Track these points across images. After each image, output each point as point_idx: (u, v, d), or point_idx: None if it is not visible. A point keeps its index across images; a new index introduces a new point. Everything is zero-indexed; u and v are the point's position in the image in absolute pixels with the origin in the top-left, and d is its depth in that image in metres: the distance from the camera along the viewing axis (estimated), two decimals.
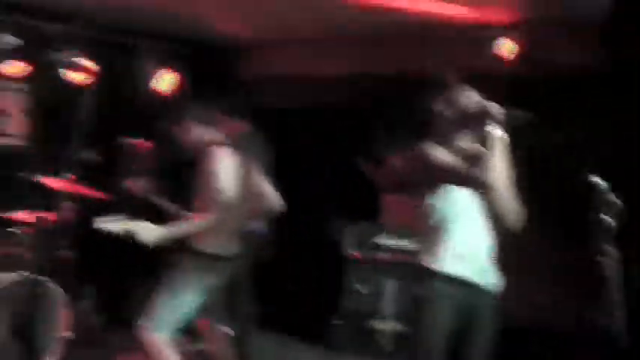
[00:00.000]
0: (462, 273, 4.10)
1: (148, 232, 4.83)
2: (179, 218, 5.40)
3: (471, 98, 4.17)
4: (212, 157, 4.97)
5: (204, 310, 5.18)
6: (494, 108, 4.02)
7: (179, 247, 5.08)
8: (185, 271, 5.02)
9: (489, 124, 4.02)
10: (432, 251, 4.16)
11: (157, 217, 5.74)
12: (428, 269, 4.14)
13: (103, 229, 4.79)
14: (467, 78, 6.67)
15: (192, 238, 5.04)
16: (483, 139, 4.06)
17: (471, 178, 4.06)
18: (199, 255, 5.02)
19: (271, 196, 5.21)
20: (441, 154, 4.14)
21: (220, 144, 5.10)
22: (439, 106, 4.26)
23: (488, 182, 4.00)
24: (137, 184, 5.73)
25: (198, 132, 5.18)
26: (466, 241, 4.13)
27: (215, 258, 5.03)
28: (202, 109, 5.31)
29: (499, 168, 4.02)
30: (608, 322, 4.15)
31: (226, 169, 4.97)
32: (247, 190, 5.14)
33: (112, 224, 4.79)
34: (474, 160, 4.09)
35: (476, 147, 4.15)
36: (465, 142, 4.20)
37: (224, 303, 5.52)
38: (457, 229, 4.13)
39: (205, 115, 5.28)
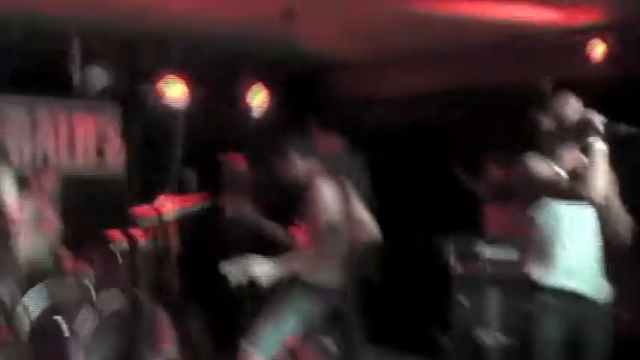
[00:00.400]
0: (571, 286, 4.04)
1: (263, 270, 4.86)
2: (283, 242, 5.48)
3: (573, 109, 4.09)
4: (316, 188, 5.01)
5: (305, 333, 5.24)
6: (597, 119, 3.94)
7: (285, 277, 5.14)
8: (291, 300, 5.07)
9: (592, 136, 3.94)
10: (539, 264, 4.10)
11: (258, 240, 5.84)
12: (536, 283, 4.09)
13: (229, 275, 4.85)
14: (564, 84, 6.62)
15: (299, 269, 5.07)
16: (586, 151, 3.99)
17: (572, 192, 3.98)
18: (306, 286, 5.05)
19: (370, 224, 5.33)
20: (543, 167, 4.08)
21: (322, 175, 5.13)
22: (542, 118, 4.19)
23: (591, 196, 3.91)
24: (240, 205, 5.81)
25: (301, 165, 5.19)
26: (574, 254, 4.06)
27: (321, 289, 5.07)
28: (305, 141, 5.36)
29: (603, 180, 3.93)
30: None
31: (330, 200, 4.99)
32: (348, 220, 5.19)
33: (234, 272, 4.83)
34: (578, 173, 4.02)
35: (579, 159, 4.08)
36: (569, 154, 4.13)
37: (331, 326, 5.55)
38: (564, 242, 4.06)
39: (307, 145, 5.30)
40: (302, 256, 5.02)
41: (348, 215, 5.21)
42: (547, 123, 4.14)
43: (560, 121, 4.08)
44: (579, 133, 4.00)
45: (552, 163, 4.10)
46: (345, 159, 6.66)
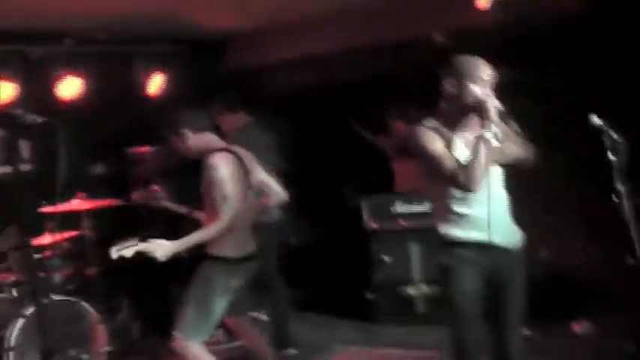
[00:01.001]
0: (481, 238, 4.14)
1: (160, 248, 4.87)
2: (192, 219, 5.49)
3: (480, 79, 4.09)
4: (212, 165, 4.98)
5: (233, 308, 5.26)
6: (492, 107, 4.00)
7: (197, 255, 5.15)
8: (207, 278, 5.08)
9: (484, 124, 4.02)
10: (447, 220, 4.18)
11: (172, 222, 5.82)
12: (446, 238, 4.18)
13: (118, 256, 4.86)
14: (455, 36, 6.73)
15: (208, 246, 5.09)
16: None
17: (453, 179, 4.06)
18: (217, 260, 5.07)
19: (275, 188, 5.39)
20: (432, 143, 4.10)
21: (219, 149, 5.12)
22: (446, 83, 4.21)
23: (470, 186, 4.00)
24: (144, 193, 5.79)
25: (195, 140, 5.20)
26: (481, 208, 4.14)
27: (233, 261, 5.09)
28: (198, 116, 5.34)
29: (482, 171, 4.01)
30: (633, 261, 4.20)
31: (227, 174, 4.98)
32: (251, 190, 5.21)
33: (125, 250, 4.84)
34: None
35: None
36: (471, 124, 4.17)
37: (256, 294, 5.61)
38: (470, 198, 4.13)
39: (199, 120, 5.30)
40: (205, 232, 5.01)
41: (250, 186, 5.23)
42: (451, 89, 4.16)
43: (462, 89, 4.11)
44: (476, 111, 4.08)
45: (450, 133, 4.15)
46: (252, 132, 6.66)
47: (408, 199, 7.12)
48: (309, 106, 7.64)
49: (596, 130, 4.32)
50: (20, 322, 5.74)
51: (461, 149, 4.11)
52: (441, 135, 4.13)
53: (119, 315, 7.07)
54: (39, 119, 2.19)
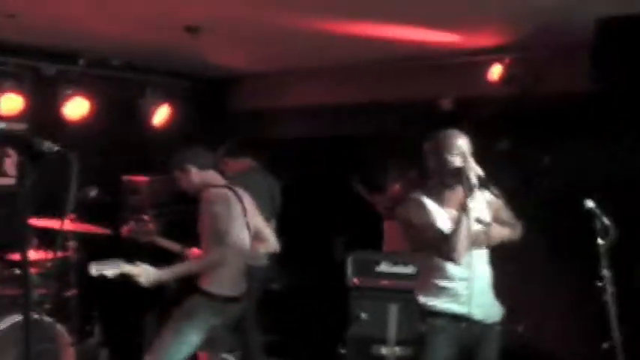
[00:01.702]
0: (460, 310, 4.15)
1: (145, 274, 4.91)
2: (184, 257, 5.50)
3: (458, 151, 4.17)
4: (210, 200, 5.06)
5: (210, 344, 5.27)
6: (473, 174, 4.06)
7: (186, 288, 5.16)
8: (190, 310, 5.10)
9: (466, 190, 4.06)
10: (428, 291, 4.20)
11: (163, 257, 5.82)
12: (425, 307, 4.20)
13: (98, 274, 4.85)
14: (462, 103, 6.80)
15: (199, 279, 5.11)
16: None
17: (438, 250, 4.10)
18: (205, 295, 5.09)
19: (268, 237, 5.48)
20: (418, 214, 4.17)
21: (219, 187, 5.19)
22: (428, 151, 4.28)
23: (453, 257, 4.03)
24: (136, 228, 5.81)
25: (198, 176, 5.27)
26: (462, 280, 4.18)
27: (219, 298, 5.10)
28: (204, 154, 5.40)
29: (466, 240, 4.05)
30: (609, 345, 4.20)
31: (224, 210, 5.04)
32: (246, 231, 5.26)
33: (107, 269, 4.84)
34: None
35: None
36: (454, 194, 4.22)
37: (231, 335, 5.60)
38: (453, 267, 4.15)
39: (205, 158, 5.37)
40: (194, 265, 5.09)
41: (246, 226, 5.29)
42: (432, 162, 4.24)
43: (442, 163, 4.19)
44: (456, 179, 4.13)
45: (437, 207, 4.19)
46: (255, 176, 6.71)
47: (394, 259, 7.09)
48: (309, 156, 7.67)
49: (588, 213, 4.36)
50: None
51: (446, 223, 4.13)
52: (427, 208, 4.16)
53: (89, 340, 7.02)
54: (55, 148, 2.21)
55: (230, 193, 5.18)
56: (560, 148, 6.40)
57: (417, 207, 4.18)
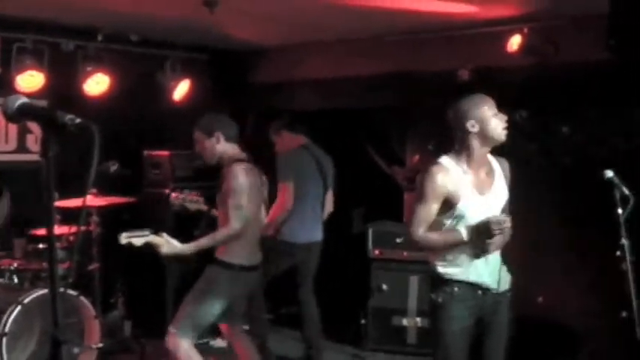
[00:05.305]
0: (475, 278, 4.17)
1: (168, 245, 5.01)
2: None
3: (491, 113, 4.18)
4: (232, 173, 5.09)
5: (230, 315, 5.36)
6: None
7: (206, 259, 5.22)
8: (211, 280, 5.19)
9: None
10: (444, 260, 4.21)
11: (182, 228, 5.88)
12: (441, 276, 4.21)
13: (126, 243, 4.96)
14: (481, 74, 6.78)
15: (217, 251, 5.19)
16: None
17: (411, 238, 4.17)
18: (225, 266, 5.17)
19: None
20: (431, 191, 4.14)
21: (242, 161, 5.22)
22: (450, 118, 4.28)
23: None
24: (184, 195, 5.85)
25: (223, 146, 5.27)
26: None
27: (240, 269, 5.18)
28: (232, 125, 5.39)
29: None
30: (628, 314, 4.21)
31: (244, 185, 5.07)
32: (263, 205, 5.33)
33: (135, 239, 4.94)
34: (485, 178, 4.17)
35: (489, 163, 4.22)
36: (482, 156, 4.23)
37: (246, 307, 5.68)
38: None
39: (233, 130, 5.35)
40: (214, 238, 5.12)
41: (265, 200, 5.44)
42: (469, 124, 4.18)
43: (481, 125, 4.15)
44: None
45: (461, 172, 4.18)
46: (305, 155, 6.75)
47: None
48: (328, 128, 7.67)
49: (608, 182, 4.36)
50: (17, 309, 5.76)
51: (469, 190, 4.14)
52: (452, 175, 4.16)
53: (113, 312, 7.11)
54: (77, 120, 2.24)
55: (251, 168, 5.22)
56: (579, 118, 6.39)
57: (437, 186, 4.13)
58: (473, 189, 4.14)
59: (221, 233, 5.10)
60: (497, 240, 4.08)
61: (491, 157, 4.29)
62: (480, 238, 4.06)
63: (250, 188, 5.11)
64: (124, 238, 5.00)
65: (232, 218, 5.02)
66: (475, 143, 4.16)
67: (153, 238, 5.04)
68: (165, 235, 5.06)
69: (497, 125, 4.13)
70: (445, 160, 4.20)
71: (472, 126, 4.13)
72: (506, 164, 4.34)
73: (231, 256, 5.16)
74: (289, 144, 6.77)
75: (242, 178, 5.07)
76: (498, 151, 4.22)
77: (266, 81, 8.81)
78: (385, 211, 7.64)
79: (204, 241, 5.11)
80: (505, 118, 4.15)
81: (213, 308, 5.16)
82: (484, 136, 4.13)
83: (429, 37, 7.31)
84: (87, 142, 2.30)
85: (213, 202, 5.45)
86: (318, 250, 6.79)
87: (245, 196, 5.05)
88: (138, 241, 5.01)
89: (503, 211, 4.23)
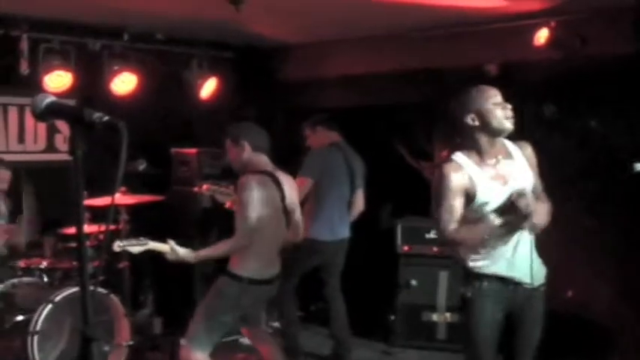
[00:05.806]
0: (505, 273, 4.14)
1: (172, 253, 4.99)
2: None
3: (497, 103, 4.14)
4: (244, 185, 5.02)
5: (246, 320, 5.39)
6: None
7: (217, 270, 5.21)
8: (219, 293, 5.15)
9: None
10: (474, 254, 4.19)
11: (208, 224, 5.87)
12: (471, 270, 4.19)
13: (120, 250, 4.95)
14: (508, 69, 6.74)
15: (230, 261, 5.15)
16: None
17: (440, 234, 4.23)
18: (234, 278, 5.11)
19: (298, 225, 5.43)
20: (449, 188, 4.16)
21: (257, 172, 5.14)
22: (451, 114, 4.26)
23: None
24: (217, 187, 5.84)
25: (248, 155, 5.22)
26: (509, 244, 4.15)
27: (249, 282, 5.11)
28: (259, 132, 5.34)
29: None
30: None
31: (255, 198, 4.99)
32: (284, 216, 5.27)
33: (132, 247, 4.98)
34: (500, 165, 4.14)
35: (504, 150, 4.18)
36: (493, 147, 4.19)
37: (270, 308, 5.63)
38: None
39: (261, 140, 5.30)
40: (218, 248, 5.09)
41: (283, 210, 5.26)
42: (469, 118, 4.15)
43: (481, 118, 4.12)
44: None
45: (475, 166, 4.15)
46: (335, 154, 6.78)
47: None
48: (355, 125, 7.66)
49: (637, 176, 4.32)
50: (48, 308, 5.79)
51: (488, 181, 4.11)
52: (466, 170, 4.14)
53: (143, 310, 7.15)
54: (105, 117, 2.25)
55: (267, 179, 5.13)
56: (608, 112, 6.34)
57: (455, 184, 4.14)
58: (492, 180, 4.12)
59: (224, 245, 5.05)
60: (529, 215, 4.02)
61: (508, 143, 4.24)
62: (509, 216, 4.02)
63: (262, 200, 5.01)
64: (117, 246, 4.99)
65: (237, 230, 4.97)
66: (480, 136, 4.13)
67: (156, 245, 5.01)
68: (170, 241, 5.01)
69: (498, 116, 4.09)
70: (458, 156, 4.19)
71: (472, 120, 4.11)
72: (528, 148, 4.28)
73: (242, 269, 5.08)
74: (322, 140, 6.78)
75: (252, 190, 4.98)
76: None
77: (292, 78, 8.81)
78: (413, 207, 7.61)
79: (207, 252, 5.10)
80: (509, 106, 4.11)
81: (224, 319, 5.12)
82: (486, 128, 4.10)
83: (456, 33, 7.27)
84: (115, 140, 2.30)
85: None
86: (345, 248, 6.80)
87: (253, 208, 4.96)
88: (135, 249, 5.01)
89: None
